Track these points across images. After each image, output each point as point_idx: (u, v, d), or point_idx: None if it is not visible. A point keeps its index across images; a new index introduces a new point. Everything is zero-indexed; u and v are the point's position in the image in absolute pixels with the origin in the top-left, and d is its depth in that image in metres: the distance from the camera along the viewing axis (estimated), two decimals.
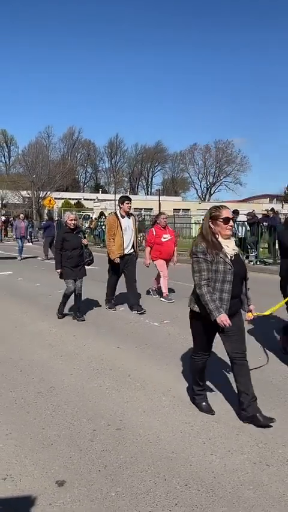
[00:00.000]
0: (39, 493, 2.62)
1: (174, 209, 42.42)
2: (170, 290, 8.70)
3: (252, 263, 14.14)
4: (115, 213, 7.55)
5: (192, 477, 2.78)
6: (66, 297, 6.86)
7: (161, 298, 8.42)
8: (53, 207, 30.22)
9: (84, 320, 6.73)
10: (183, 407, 3.76)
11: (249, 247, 15.17)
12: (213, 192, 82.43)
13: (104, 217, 23.19)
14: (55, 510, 2.48)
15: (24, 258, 16.24)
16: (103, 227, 22.18)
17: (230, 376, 4.40)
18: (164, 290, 8.37)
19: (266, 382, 4.31)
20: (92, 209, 43.93)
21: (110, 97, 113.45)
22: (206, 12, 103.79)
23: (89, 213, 37.38)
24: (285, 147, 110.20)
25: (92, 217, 30.93)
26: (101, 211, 25.62)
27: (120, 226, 7.26)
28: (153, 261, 8.40)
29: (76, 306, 6.88)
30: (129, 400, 3.92)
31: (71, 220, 6.82)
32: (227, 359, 3.85)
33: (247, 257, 14.92)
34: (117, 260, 7.22)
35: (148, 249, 8.49)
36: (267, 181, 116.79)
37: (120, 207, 7.43)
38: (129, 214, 7.46)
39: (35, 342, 5.73)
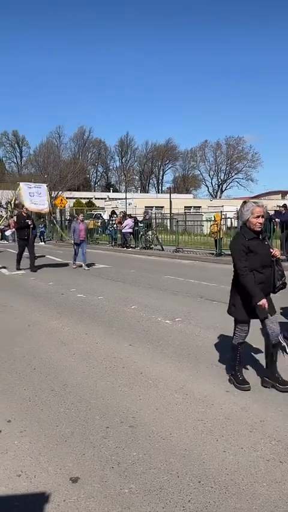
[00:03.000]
0: (53, 489, 2.65)
1: (185, 207, 42.35)
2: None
3: None
4: None
5: (205, 474, 2.78)
6: (236, 350, 4.19)
7: None
8: (64, 207, 30.34)
9: None
10: (196, 405, 3.76)
11: None
12: (225, 189, 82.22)
13: (115, 215, 23.29)
14: (69, 506, 2.51)
15: (89, 265, 13.55)
16: (114, 226, 22.29)
17: (246, 375, 4.39)
18: None
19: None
20: (103, 208, 44.04)
21: (120, 96, 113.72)
22: (216, 8, 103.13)
23: (100, 212, 37.49)
24: None
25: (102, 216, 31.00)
26: (113, 210, 25.65)
27: None
28: None
29: (274, 367, 4.11)
30: (142, 398, 3.93)
31: (257, 217, 3.91)
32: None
33: None
34: None
35: None
36: (279, 177, 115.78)
37: None
38: None
39: (48, 340, 5.78)
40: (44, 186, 14.75)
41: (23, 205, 13.57)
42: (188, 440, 3.20)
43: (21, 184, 14.26)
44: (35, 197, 13.60)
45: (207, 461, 2.93)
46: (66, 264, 14.38)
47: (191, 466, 2.87)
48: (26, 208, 13.23)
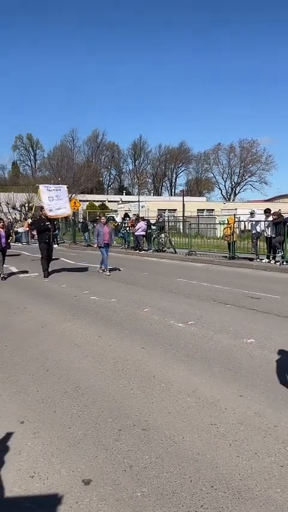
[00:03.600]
0: (66, 491, 2.66)
1: (198, 209, 42.28)
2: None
3: (278, 263, 13.90)
4: None
5: (218, 479, 2.76)
6: None
7: None
8: (77, 210, 30.53)
9: None
10: (209, 409, 3.73)
11: (276, 246, 14.91)
12: (238, 192, 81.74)
13: (128, 218, 23.35)
14: (82, 508, 2.51)
15: (112, 270, 12.95)
16: (127, 228, 22.34)
17: (260, 379, 4.35)
18: None
19: None
20: (116, 211, 44.20)
21: (133, 99, 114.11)
22: (225, 13, 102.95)
23: (113, 215, 37.62)
24: None
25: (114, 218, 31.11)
26: (126, 213, 25.72)
27: None
28: None
29: None
30: (155, 401, 3.92)
31: None
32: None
33: (274, 257, 14.69)
34: None
35: None
36: None
37: None
38: None
39: (61, 342, 5.81)
40: (64, 188, 14.13)
41: (41, 208, 13.39)
42: (200, 444, 3.18)
43: (41, 186, 13.79)
44: (53, 201, 13.00)
45: (220, 466, 2.90)
46: (79, 267, 14.45)
47: (204, 470, 2.85)
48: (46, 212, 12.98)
